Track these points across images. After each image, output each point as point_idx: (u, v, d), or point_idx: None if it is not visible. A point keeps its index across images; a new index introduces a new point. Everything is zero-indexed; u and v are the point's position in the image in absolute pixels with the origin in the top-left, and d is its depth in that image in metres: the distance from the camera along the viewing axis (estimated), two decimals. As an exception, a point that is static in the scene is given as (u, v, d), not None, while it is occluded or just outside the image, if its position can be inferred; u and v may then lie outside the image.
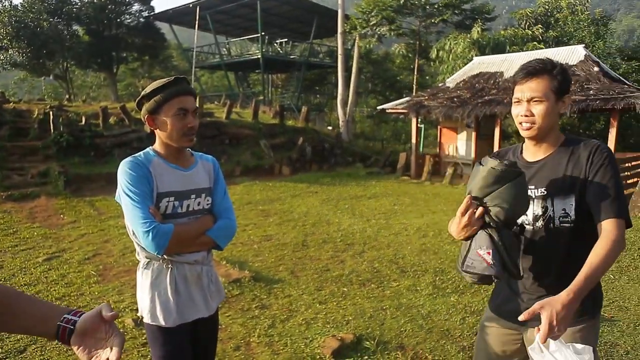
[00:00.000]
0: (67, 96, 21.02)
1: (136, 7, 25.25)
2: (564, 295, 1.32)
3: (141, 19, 25.70)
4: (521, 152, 1.72)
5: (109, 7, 23.72)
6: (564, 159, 1.59)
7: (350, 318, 3.77)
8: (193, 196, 1.82)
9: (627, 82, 11.94)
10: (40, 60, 21.79)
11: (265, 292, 4.34)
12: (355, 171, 13.92)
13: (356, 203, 8.98)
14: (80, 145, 10.97)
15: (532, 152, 1.68)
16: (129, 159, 1.75)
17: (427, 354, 3.19)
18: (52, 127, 10.95)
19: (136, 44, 25.28)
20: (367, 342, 3.31)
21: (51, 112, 11.38)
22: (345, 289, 4.45)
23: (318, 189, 10.60)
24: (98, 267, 5.07)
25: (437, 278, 4.73)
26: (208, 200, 1.88)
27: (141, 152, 1.81)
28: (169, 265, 1.76)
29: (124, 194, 1.69)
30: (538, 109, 1.57)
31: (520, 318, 1.30)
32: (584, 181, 1.53)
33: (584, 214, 1.54)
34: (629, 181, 11.33)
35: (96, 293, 4.32)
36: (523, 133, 1.63)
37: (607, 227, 1.45)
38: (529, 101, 1.58)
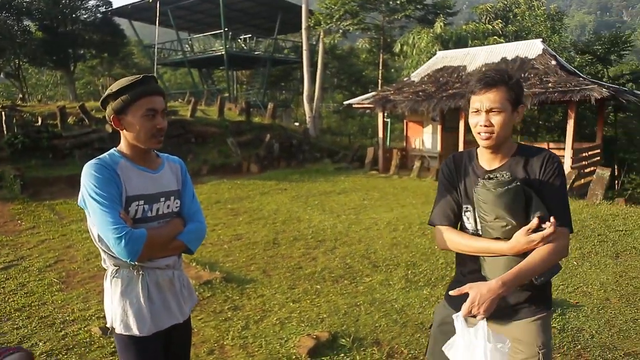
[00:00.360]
0: (20, 95, 20.02)
1: (93, 2, 24.33)
2: (493, 282, 1.50)
3: (98, 15, 24.78)
4: (477, 159, 1.75)
5: (63, 1, 22.73)
6: (519, 167, 1.65)
7: (325, 316, 3.76)
8: (162, 199, 1.75)
9: (581, 75, 12.42)
10: (-12, 57, 20.73)
11: (237, 293, 4.27)
12: (324, 167, 13.92)
13: (326, 199, 8.97)
14: (37, 147, 10.50)
15: (487, 160, 1.71)
16: (93, 161, 1.66)
17: (402, 348, 3.21)
18: (5, 128, 10.42)
19: (94, 40, 24.34)
20: (343, 340, 3.30)
21: (3, 113, 10.83)
22: (318, 287, 4.43)
23: (287, 185, 10.54)
24: (60, 274, 4.86)
25: (409, 272, 4.77)
26: (177, 203, 1.82)
27: (106, 154, 1.71)
28: (140, 272, 1.68)
29: (90, 198, 1.60)
30: (497, 119, 1.61)
31: (451, 293, 1.53)
32: (537, 189, 1.60)
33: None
34: (586, 170, 11.82)
35: (59, 302, 4.14)
36: (482, 143, 1.67)
37: (560, 241, 1.55)
38: (487, 112, 1.62)
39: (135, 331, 1.68)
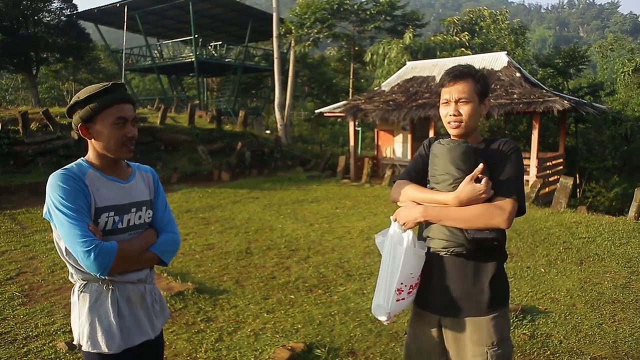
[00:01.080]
0: (-22, 100, 19.20)
1: (56, 4, 23.57)
2: (418, 207, 1.73)
3: (63, 18, 24.06)
4: None
5: (24, 2, 21.95)
6: (485, 154, 1.75)
7: (300, 326, 3.73)
8: (134, 210, 1.70)
9: (544, 87, 12.91)
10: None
11: (210, 304, 4.19)
12: (296, 175, 13.91)
13: (298, 207, 8.95)
14: (-4, 153, 10.08)
15: None
16: (60, 171, 1.59)
17: (378, 358, 3.22)
18: (-38, 135, 9.97)
19: (58, 44, 23.57)
20: (318, 350, 3.28)
21: (-39, 118, 10.36)
22: (292, 297, 4.40)
23: (259, 194, 10.47)
24: (23, 287, 4.65)
25: (383, 280, 4.80)
26: (149, 214, 1.76)
27: (73, 164, 1.65)
28: (110, 287, 1.61)
29: (57, 210, 1.53)
30: (465, 109, 1.73)
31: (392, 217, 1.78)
32: (492, 166, 1.72)
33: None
34: (550, 179, 12.25)
35: (22, 316, 3.95)
36: (451, 131, 1.79)
37: (502, 201, 1.65)
38: (456, 102, 1.74)
39: (104, 348, 1.61)
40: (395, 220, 1.78)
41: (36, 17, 22.71)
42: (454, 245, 1.70)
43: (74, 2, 24.20)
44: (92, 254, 1.48)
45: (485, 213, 1.63)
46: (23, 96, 30.22)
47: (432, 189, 1.78)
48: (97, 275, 1.55)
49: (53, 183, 1.57)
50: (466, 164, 1.67)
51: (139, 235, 1.70)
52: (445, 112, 1.77)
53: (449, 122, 1.77)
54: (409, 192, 1.81)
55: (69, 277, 1.70)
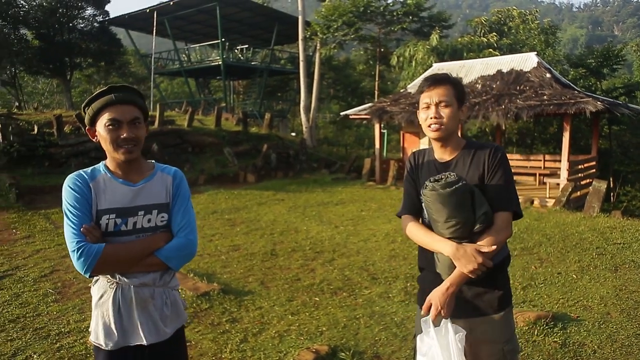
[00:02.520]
0: (16, 104, 19.97)
1: (89, 11, 24.44)
2: (442, 286, 1.72)
3: (95, 24, 24.85)
4: (432, 153, 1.92)
5: (60, 10, 22.78)
6: (468, 160, 1.81)
7: (324, 329, 3.72)
8: (141, 213, 1.70)
9: (576, 88, 12.54)
10: (-16, 65, 20.70)
11: (235, 305, 4.22)
12: (321, 177, 13.91)
13: (323, 210, 8.95)
14: (32, 155, 10.45)
15: (440, 153, 1.88)
16: (72, 174, 1.69)
17: (403, 362, 3.18)
18: (0, 137, 10.36)
19: (91, 49, 24.39)
20: (343, 353, 3.26)
21: None
22: (317, 299, 4.40)
23: (284, 196, 10.52)
24: (56, 284, 4.80)
25: (409, 284, 4.75)
26: (163, 217, 1.74)
27: (92, 167, 1.75)
28: (113, 286, 1.66)
29: (64, 210, 1.65)
30: (446, 112, 1.78)
31: (422, 312, 1.75)
32: (483, 177, 1.77)
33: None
34: (582, 182, 11.89)
35: (55, 313, 4.07)
36: (431, 134, 1.82)
37: (498, 217, 1.74)
38: (437, 105, 1.79)
39: (102, 343, 1.68)
40: (429, 314, 1.73)
41: (71, 24, 23.54)
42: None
43: (106, 8, 24.97)
44: (77, 253, 1.55)
45: (495, 237, 1.70)
46: (58, 100, 31.28)
47: (433, 228, 1.80)
48: (83, 273, 1.59)
49: (64, 185, 1.67)
50: (465, 206, 1.69)
51: (143, 239, 1.70)
52: (425, 116, 1.81)
53: (429, 125, 1.80)
54: (414, 235, 1.87)
55: None
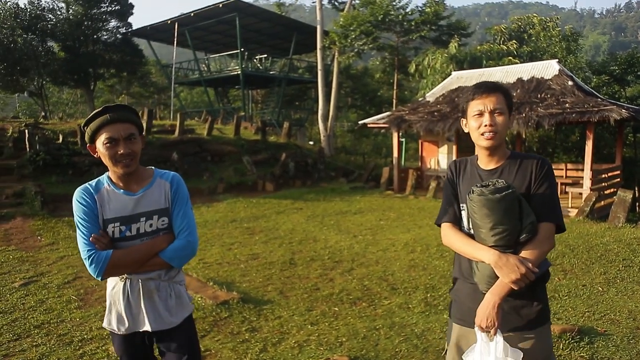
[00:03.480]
0: (42, 113, 20.54)
1: (113, 23, 25.07)
2: (486, 298, 1.69)
3: (118, 36, 25.46)
4: (477, 161, 1.90)
5: (85, 23, 23.44)
6: (514, 169, 1.79)
7: (344, 339, 3.69)
8: (143, 219, 1.88)
9: (599, 95, 12.30)
10: (14, 76, 21.33)
11: (254, 314, 4.23)
12: (339, 186, 13.90)
13: (342, 219, 8.93)
14: (57, 164, 10.70)
15: (485, 162, 1.85)
16: (80, 188, 1.88)
17: (424, 375, 3.13)
18: (27, 146, 10.65)
19: (114, 60, 24.98)
20: (363, 365, 3.23)
21: (27, 130, 11.09)
22: (336, 309, 4.37)
23: (303, 205, 10.53)
24: (79, 291, 4.88)
25: (429, 295, 4.69)
26: (163, 221, 1.91)
27: (96, 179, 1.92)
28: (122, 279, 1.88)
29: (75, 222, 1.85)
30: (500, 119, 1.77)
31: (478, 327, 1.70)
32: (529, 189, 1.75)
33: None
34: (606, 192, 11.62)
35: (78, 319, 4.14)
36: (484, 143, 1.79)
37: (542, 228, 1.71)
38: (491, 112, 1.76)
39: (114, 328, 1.92)
40: (480, 329, 1.71)
41: (95, 36, 24.17)
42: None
43: (129, 20, 25.58)
44: (88, 261, 1.77)
45: (538, 247, 1.69)
46: (81, 110, 32.01)
47: (474, 234, 1.79)
48: (96, 277, 1.80)
49: (73, 199, 1.86)
50: (514, 212, 1.68)
51: (147, 242, 1.88)
52: (478, 124, 1.78)
53: (482, 134, 1.77)
54: (453, 243, 1.86)
55: None
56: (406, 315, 4.19)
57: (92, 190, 1.85)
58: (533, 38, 21.14)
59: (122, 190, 1.88)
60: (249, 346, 3.59)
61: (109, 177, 1.90)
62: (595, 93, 12.38)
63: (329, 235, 7.52)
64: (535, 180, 1.75)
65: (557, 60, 13.85)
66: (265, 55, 26.76)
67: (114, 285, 1.90)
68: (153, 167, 2.00)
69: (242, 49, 23.15)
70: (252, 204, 10.55)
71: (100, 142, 1.80)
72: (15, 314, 4.24)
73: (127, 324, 1.89)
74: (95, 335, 3.77)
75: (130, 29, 25.74)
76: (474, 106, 1.79)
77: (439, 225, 1.95)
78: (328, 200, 11.28)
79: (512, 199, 1.65)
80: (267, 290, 4.92)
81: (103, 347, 3.55)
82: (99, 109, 1.82)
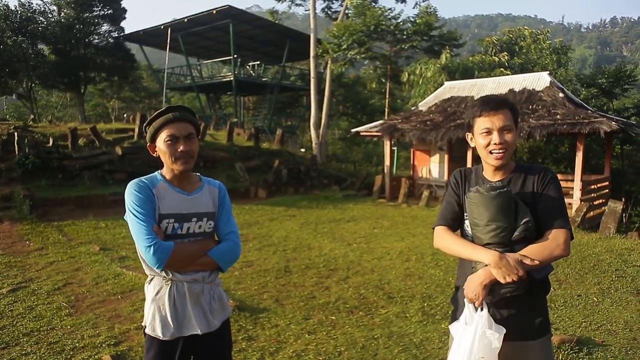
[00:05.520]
0: (32, 116, 20.25)
1: (105, 27, 24.88)
2: (480, 271, 1.71)
3: (110, 40, 25.28)
4: (482, 172, 1.90)
5: (77, 26, 23.24)
6: (519, 181, 1.80)
7: (342, 349, 3.65)
8: (194, 219, 1.91)
9: (589, 107, 12.48)
10: (2, 78, 21.04)
11: (251, 323, 4.17)
12: (332, 194, 13.87)
13: (335, 227, 8.90)
14: (47, 167, 10.52)
15: (491, 175, 1.85)
16: (135, 180, 1.89)
17: (425, 386, 3.10)
18: (16, 149, 10.47)
19: (105, 64, 24.77)
20: (363, 375, 3.19)
21: (16, 133, 10.91)
22: (333, 318, 4.33)
23: (296, 212, 10.48)
24: (70, 298, 4.77)
25: (426, 304, 4.67)
26: (210, 224, 1.96)
27: (149, 175, 1.94)
28: (168, 283, 1.86)
29: (129, 212, 1.83)
30: (509, 137, 1.76)
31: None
32: (533, 196, 1.75)
33: (538, 225, 1.75)
34: (594, 202, 11.74)
35: (69, 327, 4.04)
36: (494, 162, 1.79)
37: (553, 233, 1.69)
38: (499, 130, 1.75)
39: (159, 333, 1.87)
40: (468, 299, 1.76)
41: (87, 40, 23.97)
42: (514, 290, 1.69)
43: (121, 25, 25.43)
44: (152, 249, 1.75)
45: (544, 250, 1.66)
46: (71, 113, 31.69)
47: (472, 234, 1.80)
48: (155, 267, 1.79)
49: (128, 190, 1.86)
50: (509, 211, 1.69)
51: (198, 241, 1.91)
52: (486, 142, 1.77)
53: (491, 152, 1.77)
54: (448, 245, 1.85)
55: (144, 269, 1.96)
56: (404, 324, 4.16)
57: (148, 184, 1.88)
58: (524, 50, 21.46)
59: (177, 189, 1.91)
60: (246, 355, 3.53)
61: (162, 175, 1.94)
62: (585, 105, 12.56)
63: (323, 242, 7.48)
64: (539, 188, 1.76)
65: (548, 72, 14.05)
66: (258, 62, 26.78)
67: (158, 290, 1.88)
68: (199, 174, 2.05)
69: (235, 56, 23.13)
70: (245, 210, 10.47)
71: (161, 140, 1.86)
72: (3, 321, 4.12)
73: (172, 330, 1.88)
74: (88, 344, 3.67)
75: (122, 33, 25.59)
76: (482, 123, 1.78)
77: (434, 228, 1.97)
78: (321, 208, 11.24)
79: (507, 197, 1.68)
80: (263, 298, 4.86)
81: (95, 356, 3.46)
82: (162, 109, 1.89)
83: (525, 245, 1.69)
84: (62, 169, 10.77)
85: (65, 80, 23.71)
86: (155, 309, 1.88)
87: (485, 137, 1.77)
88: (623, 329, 3.96)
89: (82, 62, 23.48)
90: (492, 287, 1.69)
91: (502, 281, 1.64)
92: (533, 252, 1.65)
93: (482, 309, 1.71)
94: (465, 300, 1.76)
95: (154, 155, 1.93)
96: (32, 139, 11.19)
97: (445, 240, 1.86)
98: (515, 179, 1.81)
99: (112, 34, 25.21)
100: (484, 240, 1.72)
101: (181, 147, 1.84)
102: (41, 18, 22.73)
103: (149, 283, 1.93)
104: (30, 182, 9.91)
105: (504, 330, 1.67)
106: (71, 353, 3.53)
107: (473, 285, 1.72)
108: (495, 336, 1.66)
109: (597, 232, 8.45)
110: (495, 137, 1.75)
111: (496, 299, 1.73)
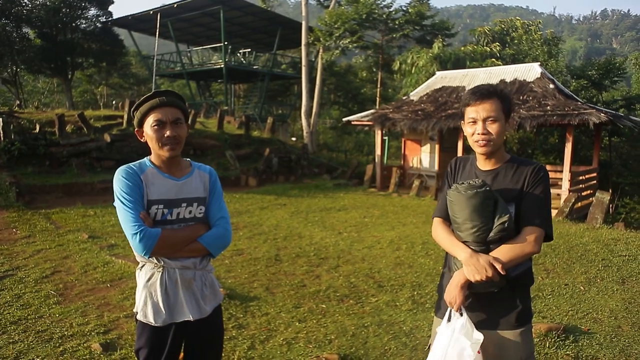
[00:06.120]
0: (17, 102, 19.86)
1: (93, 11, 24.38)
2: (455, 274, 1.75)
3: (98, 24, 24.80)
4: (476, 161, 1.92)
5: (63, 10, 22.73)
6: (510, 173, 1.80)
7: (333, 337, 3.66)
8: (184, 205, 1.90)
9: (579, 99, 12.57)
10: (-15, 63, 20.61)
11: (241, 311, 4.16)
12: (323, 183, 13.86)
13: (326, 215, 8.90)
14: (33, 154, 10.36)
15: (483, 164, 1.87)
16: (123, 167, 1.87)
17: (414, 373, 3.13)
18: (2, 135, 10.29)
19: (93, 49, 24.31)
20: (353, 362, 3.21)
21: (1, 119, 10.70)
22: (324, 306, 4.34)
23: (286, 201, 10.47)
24: (58, 286, 4.72)
25: (416, 292, 4.70)
26: (201, 210, 1.94)
27: (138, 161, 1.92)
28: (159, 270, 1.85)
29: (117, 199, 1.82)
30: (493, 127, 1.76)
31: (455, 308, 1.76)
32: (521, 192, 1.75)
33: (520, 221, 1.76)
34: (583, 193, 11.88)
35: (57, 315, 4.00)
36: (479, 150, 1.81)
37: (526, 231, 1.71)
38: (484, 120, 1.76)
39: (151, 320, 1.87)
40: (449, 303, 1.79)
41: (74, 24, 23.47)
42: (488, 286, 1.71)
43: (109, 9, 24.94)
44: (138, 236, 1.74)
45: (515, 249, 1.67)
46: (58, 99, 31.18)
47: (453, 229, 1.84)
48: (142, 255, 1.78)
49: (116, 177, 1.84)
50: (486, 210, 1.69)
51: (188, 226, 1.90)
52: (472, 131, 1.79)
53: (476, 141, 1.79)
54: (438, 236, 1.91)
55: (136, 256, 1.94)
56: (394, 313, 4.19)
57: (136, 170, 1.86)
58: (515, 41, 21.48)
59: (166, 175, 1.90)
60: (236, 343, 3.52)
61: (150, 161, 1.92)
62: (575, 97, 12.64)
63: (313, 231, 7.48)
64: (528, 184, 1.76)
65: (539, 63, 14.09)
66: (249, 50, 26.49)
67: (150, 277, 1.87)
68: (189, 159, 2.04)
69: (226, 43, 22.85)
70: (235, 199, 10.43)
71: (148, 125, 1.84)
72: (-10, 309, 4.07)
73: (164, 316, 1.87)
74: (77, 332, 3.64)
75: (110, 18, 25.11)
76: (469, 113, 1.80)
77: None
78: (312, 197, 11.23)
79: (484, 197, 1.68)
80: (253, 286, 4.86)
81: (84, 344, 3.43)
82: (149, 94, 1.87)
83: (501, 244, 1.71)
84: (49, 156, 10.61)
85: (51, 66, 23.26)
86: (146, 295, 1.87)
87: (471, 126, 1.80)
88: (608, 317, 4.03)
89: (69, 47, 23.01)
90: (470, 283, 1.72)
91: (472, 279, 1.67)
92: (505, 252, 1.68)
93: (461, 314, 1.73)
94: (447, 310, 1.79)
95: (142, 140, 1.91)
96: (18, 125, 10.99)
97: (436, 232, 1.92)
98: (507, 170, 1.81)
99: (99, 18, 24.73)
100: (462, 238, 1.75)
101: (168, 133, 1.82)
102: (26, 0, 22.20)
103: (140, 269, 1.92)
104: (17, 169, 9.75)
105: (482, 338, 1.69)
106: (60, 341, 3.50)
107: (450, 287, 1.75)
108: (467, 344, 1.66)
109: (585, 223, 8.56)
110: (479, 127, 1.77)
111: (474, 292, 1.75)
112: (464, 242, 1.75)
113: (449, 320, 1.76)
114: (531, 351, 1.81)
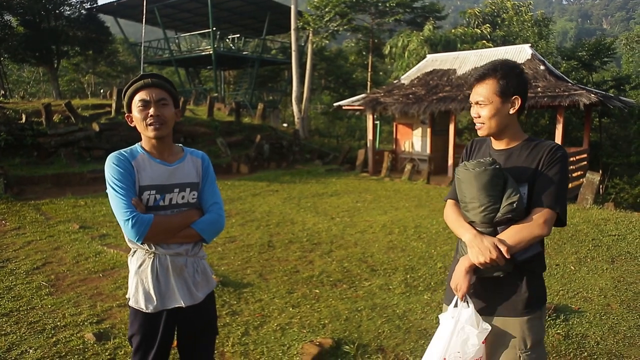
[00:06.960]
0: (2, 92, 19.49)
1: (77, -2, 23.82)
2: (460, 260, 1.71)
3: (83, 11, 24.27)
4: (491, 141, 1.87)
5: (46, -4, 22.19)
6: (525, 152, 1.71)
7: (326, 321, 3.68)
8: (176, 190, 1.89)
9: (569, 80, 12.58)
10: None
11: (234, 298, 4.17)
12: (315, 168, 13.84)
13: (318, 201, 8.90)
14: (20, 144, 10.19)
15: (496, 144, 1.82)
16: (114, 153, 1.85)
17: (407, 356, 3.15)
18: (-13, 126, 10.11)
19: (78, 37, 23.80)
20: (347, 347, 3.23)
21: (-14, 110, 10.52)
22: (317, 291, 4.36)
23: (278, 187, 10.44)
24: (49, 277, 4.69)
25: (408, 276, 4.73)
26: (194, 195, 1.93)
27: (129, 147, 1.91)
28: (151, 256, 1.85)
29: (108, 185, 1.81)
30: (483, 111, 1.72)
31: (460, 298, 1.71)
32: (536, 172, 1.67)
33: (532, 204, 1.69)
34: (573, 174, 11.97)
35: (49, 306, 3.97)
36: (478, 132, 1.81)
37: (535, 212, 1.62)
38: (476, 104, 1.75)
39: (142, 306, 1.87)
40: (454, 291, 1.75)
41: (57, 11, 22.94)
42: (494, 271, 1.66)
43: (94, -5, 24.39)
44: (130, 222, 1.73)
45: (523, 230, 1.60)
46: (44, 89, 30.68)
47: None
48: (135, 240, 1.78)
49: (107, 163, 1.83)
50: (495, 189, 1.62)
51: (181, 212, 1.88)
52: (472, 114, 1.80)
53: (475, 124, 1.79)
54: (447, 217, 1.87)
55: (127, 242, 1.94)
56: (387, 296, 4.21)
57: (127, 156, 1.85)
58: (506, 22, 21.40)
59: (158, 160, 1.88)
60: (230, 330, 3.53)
61: (142, 146, 1.91)
62: (566, 78, 12.66)
63: (306, 217, 7.48)
64: (543, 165, 1.66)
65: (529, 44, 14.06)
66: (238, 35, 26.15)
67: (141, 263, 1.87)
68: (181, 145, 2.03)
69: (214, 28, 22.52)
70: (227, 186, 10.38)
71: (135, 107, 1.83)
72: (-19, 302, 4.04)
73: (155, 302, 1.87)
74: (69, 322, 3.63)
75: (95, 5, 24.56)
76: (470, 96, 1.80)
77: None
78: (304, 183, 11.22)
79: (493, 175, 1.61)
80: (246, 273, 4.86)
81: (78, 334, 3.42)
82: (136, 77, 1.88)
83: (509, 226, 1.64)
84: (36, 146, 10.45)
85: (36, 54, 22.75)
86: (138, 281, 1.87)
87: (471, 109, 1.79)
88: (598, 296, 4.08)
89: (54, 35, 22.50)
90: (475, 268, 1.67)
91: (475, 262, 1.61)
92: (511, 234, 1.60)
93: (467, 304, 1.67)
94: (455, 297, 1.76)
95: (132, 124, 1.89)
96: (4, 115, 10.80)
97: (446, 214, 1.88)
98: (522, 149, 1.73)
99: (84, 5, 24.13)
100: (468, 218, 1.70)
101: (151, 111, 1.81)
102: (7, -13, 21.62)
103: (132, 256, 1.92)
104: (4, 161, 9.60)
105: (489, 328, 1.64)
106: (52, 332, 3.48)
107: (456, 274, 1.70)
108: (473, 332, 1.61)
109: (576, 204, 8.64)
110: (473, 110, 1.75)
111: (479, 276, 1.70)
112: (471, 223, 1.69)
113: (455, 305, 1.71)
114: (539, 339, 1.73)
